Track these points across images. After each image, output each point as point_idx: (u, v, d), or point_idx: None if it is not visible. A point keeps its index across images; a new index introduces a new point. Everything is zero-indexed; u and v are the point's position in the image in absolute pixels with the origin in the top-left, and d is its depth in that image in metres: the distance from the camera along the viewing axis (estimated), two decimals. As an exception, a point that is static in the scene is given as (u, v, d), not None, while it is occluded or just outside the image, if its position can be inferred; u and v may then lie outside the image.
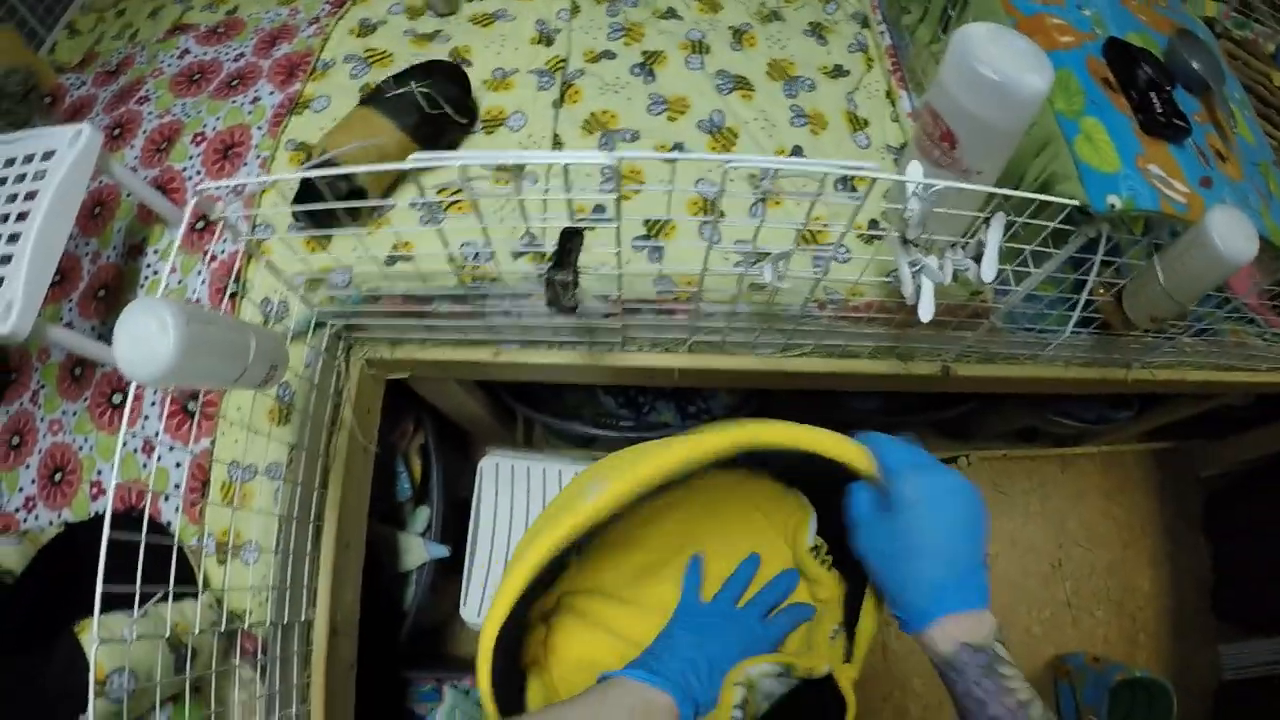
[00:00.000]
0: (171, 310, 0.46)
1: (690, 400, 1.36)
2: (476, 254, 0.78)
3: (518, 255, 0.78)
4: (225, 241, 0.89)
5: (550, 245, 0.59)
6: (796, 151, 0.93)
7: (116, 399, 0.87)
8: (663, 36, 1.05)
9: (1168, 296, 0.70)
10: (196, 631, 0.62)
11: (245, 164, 0.97)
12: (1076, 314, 0.71)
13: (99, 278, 0.96)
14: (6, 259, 0.70)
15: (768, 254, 0.60)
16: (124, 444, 0.54)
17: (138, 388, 0.52)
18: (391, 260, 0.76)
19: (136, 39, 1.26)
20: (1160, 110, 0.71)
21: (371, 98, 0.88)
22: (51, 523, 0.83)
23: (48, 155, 0.75)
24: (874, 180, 0.49)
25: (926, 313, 0.60)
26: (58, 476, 0.86)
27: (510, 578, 0.49)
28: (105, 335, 0.88)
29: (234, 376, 0.54)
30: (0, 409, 0.93)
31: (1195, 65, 0.80)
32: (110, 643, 0.54)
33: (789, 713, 0.55)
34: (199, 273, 0.89)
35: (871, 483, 0.51)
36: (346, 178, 0.74)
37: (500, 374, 0.88)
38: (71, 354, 0.92)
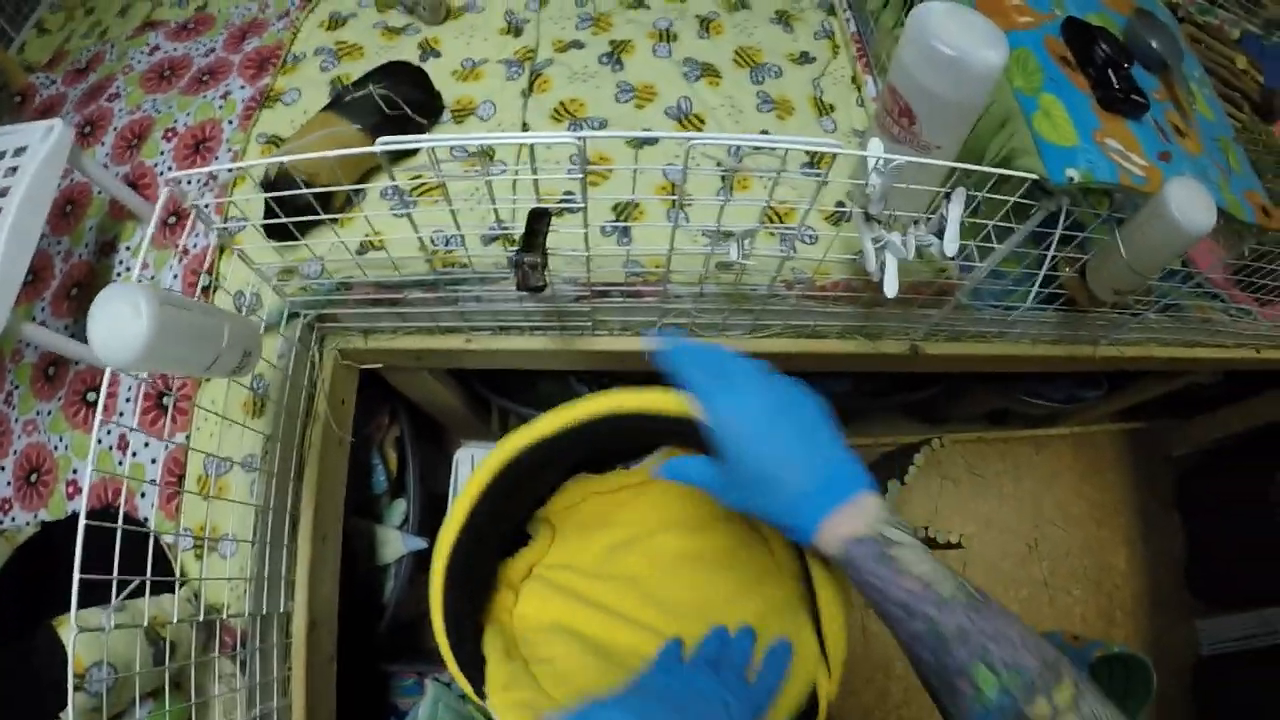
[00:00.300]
0: (145, 294, 0.47)
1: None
2: (447, 240, 0.78)
3: (488, 241, 0.78)
4: (198, 235, 0.89)
5: (519, 229, 0.60)
6: (764, 135, 0.94)
7: (91, 397, 0.87)
8: (631, 25, 1.06)
9: (1129, 269, 0.72)
10: (174, 622, 0.62)
11: (217, 158, 0.97)
12: (1036, 285, 0.72)
13: (71, 276, 0.96)
14: (-22, 255, 0.70)
15: (733, 233, 0.61)
16: (98, 440, 0.53)
17: (111, 382, 0.52)
18: (363, 249, 0.76)
19: (106, 36, 1.25)
20: (1118, 87, 0.73)
21: (333, 102, 0.89)
22: (28, 523, 0.82)
23: (19, 151, 0.75)
24: (834, 157, 0.50)
25: (891, 288, 0.61)
26: (34, 477, 0.86)
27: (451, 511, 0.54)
28: (79, 334, 0.87)
29: (208, 363, 0.54)
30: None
31: (1153, 44, 0.82)
32: (88, 633, 0.54)
33: None
34: (170, 268, 0.89)
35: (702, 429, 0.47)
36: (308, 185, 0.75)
37: (473, 361, 0.88)
38: (45, 354, 0.92)
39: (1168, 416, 1.82)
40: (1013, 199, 0.59)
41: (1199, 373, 1.37)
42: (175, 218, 0.93)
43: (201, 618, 0.65)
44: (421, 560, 1.12)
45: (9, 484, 0.87)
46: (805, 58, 1.04)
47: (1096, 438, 1.86)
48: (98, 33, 1.27)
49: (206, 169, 0.57)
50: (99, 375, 0.87)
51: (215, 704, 0.66)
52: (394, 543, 1.08)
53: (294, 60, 1.05)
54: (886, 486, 1.21)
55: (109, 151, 1.05)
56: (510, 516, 0.65)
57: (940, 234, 0.60)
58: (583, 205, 0.55)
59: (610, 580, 0.61)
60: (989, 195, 0.59)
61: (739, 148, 0.85)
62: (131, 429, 0.57)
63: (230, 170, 0.87)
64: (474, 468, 0.57)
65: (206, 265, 0.85)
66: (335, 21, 1.09)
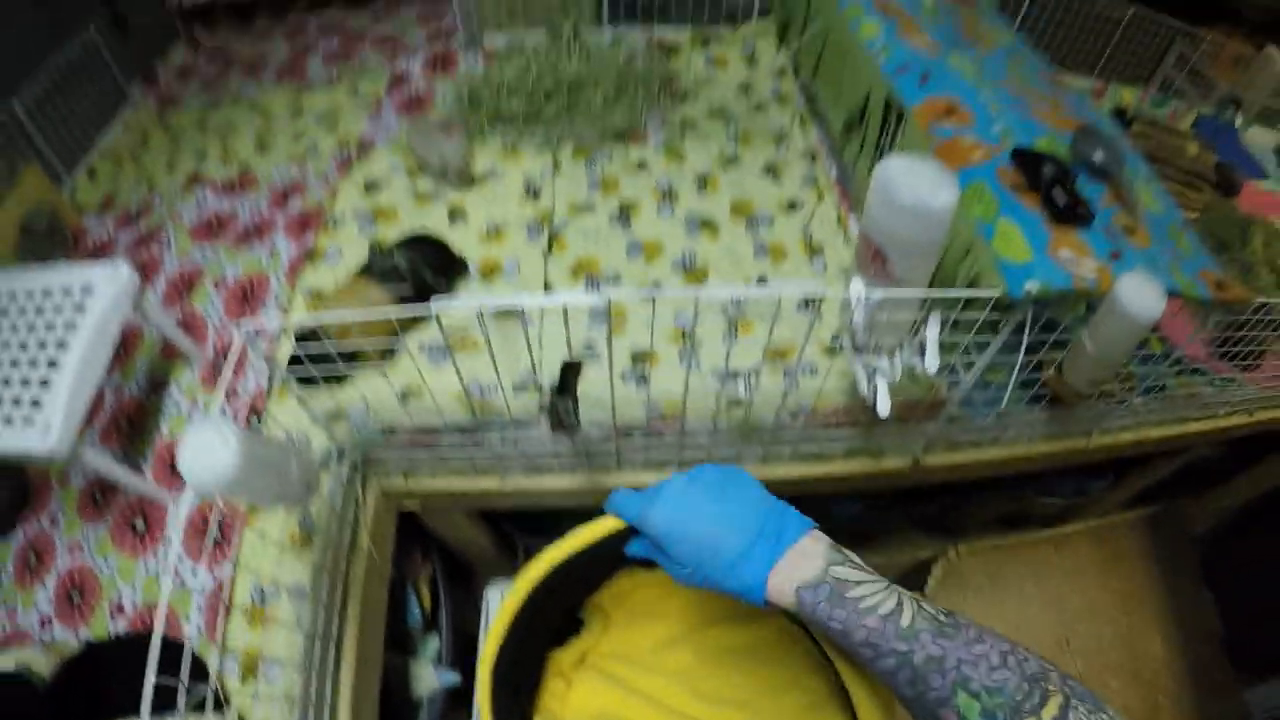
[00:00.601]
0: (231, 428, 0.54)
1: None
2: (482, 390, 0.86)
3: (519, 389, 0.87)
4: (247, 379, 0.97)
5: (546, 379, 0.67)
6: (761, 281, 1.05)
7: (139, 524, 0.92)
8: (636, 186, 1.20)
9: (1098, 361, 0.79)
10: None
11: (265, 308, 1.07)
12: (1012, 386, 0.79)
13: (121, 410, 1.04)
14: (46, 384, 0.77)
15: (739, 373, 0.68)
16: (165, 571, 0.59)
17: (183, 512, 0.59)
18: (404, 397, 0.84)
19: (154, 187, 1.39)
20: (1064, 203, 0.82)
21: (365, 268, 1.01)
22: (69, 640, 0.86)
23: (86, 289, 0.84)
24: (821, 299, 0.58)
25: (884, 408, 0.68)
26: (75, 598, 0.90)
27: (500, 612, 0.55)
28: (127, 464, 0.94)
29: (278, 492, 0.61)
30: (18, 530, 0.97)
31: (1096, 157, 0.92)
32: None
33: None
34: (222, 408, 0.96)
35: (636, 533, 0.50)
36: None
37: (507, 501, 0.94)
38: (91, 480, 0.98)
39: (1182, 495, 1.82)
40: (982, 316, 0.67)
41: (1200, 446, 1.40)
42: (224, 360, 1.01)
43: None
44: (453, 697, 1.13)
45: (50, 601, 0.91)
46: (794, 205, 1.16)
47: (1115, 528, 1.86)
48: (146, 183, 1.41)
49: (276, 324, 0.65)
50: (146, 504, 0.93)
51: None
52: (428, 677, 1.10)
53: (334, 223, 1.18)
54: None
55: (159, 296, 1.15)
56: (558, 611, 0.66)
57: (923, 354, 0.67)
58: (607, 355, 0.63)
59: (661, 674, 0.64)
60: (961, 315, 0.67)
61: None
62: (179, 559, 0.62)
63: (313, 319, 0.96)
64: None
65: (256, 407, 0.92)
66: (370, 186, 1.23)
